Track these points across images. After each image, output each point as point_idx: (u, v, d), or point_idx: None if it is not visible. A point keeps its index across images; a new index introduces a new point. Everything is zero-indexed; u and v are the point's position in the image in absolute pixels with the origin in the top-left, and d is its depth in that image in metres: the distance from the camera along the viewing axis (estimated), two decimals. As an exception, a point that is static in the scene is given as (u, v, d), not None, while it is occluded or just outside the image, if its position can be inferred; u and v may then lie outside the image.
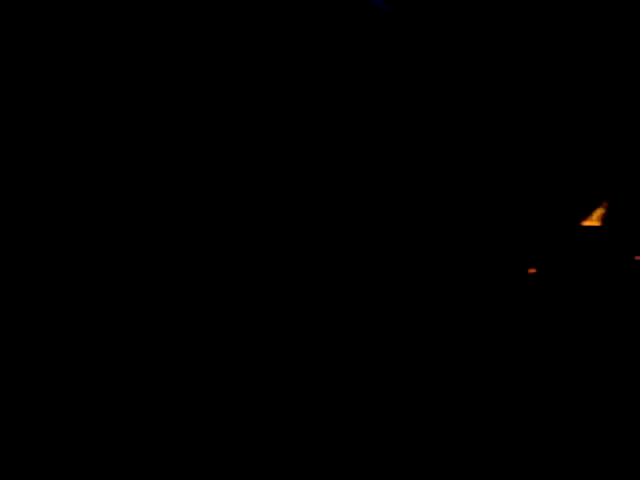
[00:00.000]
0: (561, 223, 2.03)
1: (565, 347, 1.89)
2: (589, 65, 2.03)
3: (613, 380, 1.84)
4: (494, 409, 1.80)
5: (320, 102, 2.00)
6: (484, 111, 2.04)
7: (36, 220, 1.83)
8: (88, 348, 1.77)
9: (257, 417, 1.70)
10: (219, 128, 1.94)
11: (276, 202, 1.96)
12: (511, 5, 1.97)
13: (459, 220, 2.01)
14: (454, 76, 2.02)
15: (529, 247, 1.99)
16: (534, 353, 1.88)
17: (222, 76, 1.93)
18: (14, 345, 1.74)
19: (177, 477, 1.58)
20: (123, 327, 1.81)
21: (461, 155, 2.04)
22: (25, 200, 1.83)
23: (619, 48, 2.01)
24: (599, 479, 1.70)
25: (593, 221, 2.02)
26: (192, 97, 1.92)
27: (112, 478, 1.56)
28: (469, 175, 2.03)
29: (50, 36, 1.84)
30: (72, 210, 1.86)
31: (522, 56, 2.02)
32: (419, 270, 1.97)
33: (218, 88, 1.93)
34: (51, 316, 1.79)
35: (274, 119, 1.98)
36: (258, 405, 1.72)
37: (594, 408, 1.80)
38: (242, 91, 1.96)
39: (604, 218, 2.03)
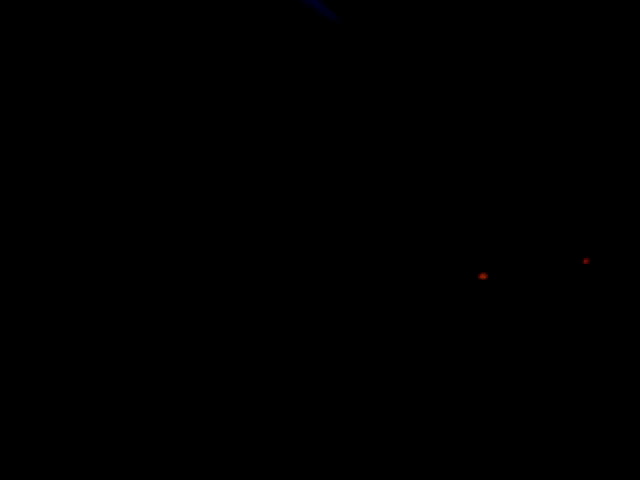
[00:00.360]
0: (511, 226, 2.06)
1: (514, 349, 1.93)
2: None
3: (554, 378, 1.89)
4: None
5: (279, 103, 2.02)
6: (430, 114, 2.06)
7: (36, 220, 1.82)
8: (88, 348, 1.79)
9: (257, 417, 1.72)
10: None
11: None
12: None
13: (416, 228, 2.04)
14: (396, 79, 2.04)
15: (480, 252, 2.03)
16: (484, 356, 1.93)
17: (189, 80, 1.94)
18: (14, 345, 1.75)
19: (177, 477, 1.58)
20: (123, 327, 1.84)
21: (412, 157, 2.06)
22: (25, 200, 1.82)
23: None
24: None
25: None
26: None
27: (112, 478, 1.56)
28: (419, 180, 2.06)
29: (51, 36, 1.83)
30: (73, 210, 1.85)
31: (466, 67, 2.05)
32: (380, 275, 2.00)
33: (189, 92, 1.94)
34: (51, 316, 1.81)
35: (238, 121, 1.99)
36: (258, 405, 1.75)
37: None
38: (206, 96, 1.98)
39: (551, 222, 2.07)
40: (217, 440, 1.66)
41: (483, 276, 1.97)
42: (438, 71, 2.05)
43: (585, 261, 2.01)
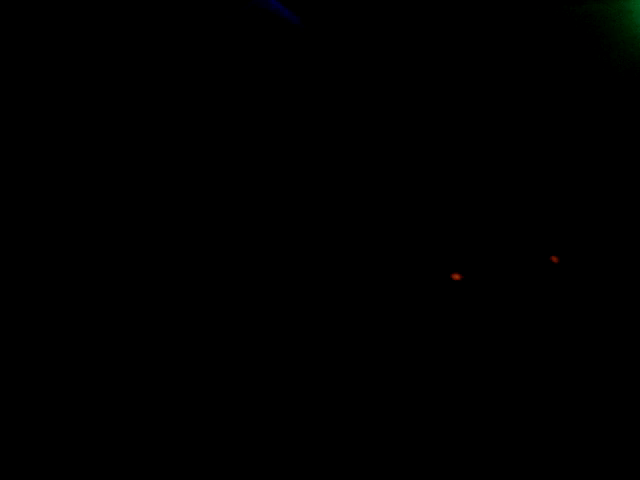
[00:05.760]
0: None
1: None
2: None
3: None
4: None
5: (247, 101, 2.02)
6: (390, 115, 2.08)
7: (36, 219, 1.80)
8: (88, 348, 1.75)
9: (256, 417, 1.69)
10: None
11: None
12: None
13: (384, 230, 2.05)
14: (355, 80, 2.07)
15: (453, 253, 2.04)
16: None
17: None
18: (14, 345, 1.71)
19: (177, 477, 1.55)
20: (123, 327, 1.79)
21: (375, 160, 2.07)
22: (25, 200, 1.80)
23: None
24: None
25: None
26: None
27: (112, 478, 1.53)
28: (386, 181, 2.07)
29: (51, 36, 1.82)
30: (73, 209, 1.83)
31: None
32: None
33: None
34: (51, 316, 1.77)
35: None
36: (258, 405, 1.72)
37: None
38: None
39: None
40: (217, 440, 1.65)
41: (456, 277, 1.97)
42: (400, 73, 2.07)
43: (554, 259, 2.03)
